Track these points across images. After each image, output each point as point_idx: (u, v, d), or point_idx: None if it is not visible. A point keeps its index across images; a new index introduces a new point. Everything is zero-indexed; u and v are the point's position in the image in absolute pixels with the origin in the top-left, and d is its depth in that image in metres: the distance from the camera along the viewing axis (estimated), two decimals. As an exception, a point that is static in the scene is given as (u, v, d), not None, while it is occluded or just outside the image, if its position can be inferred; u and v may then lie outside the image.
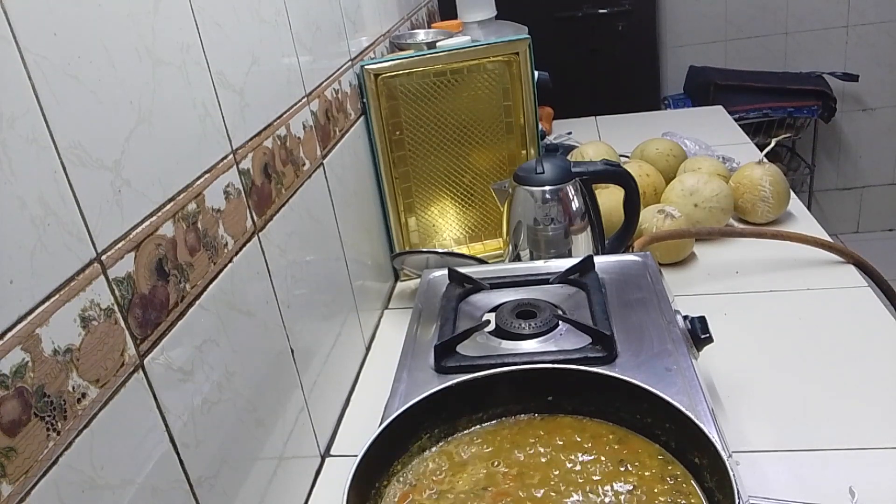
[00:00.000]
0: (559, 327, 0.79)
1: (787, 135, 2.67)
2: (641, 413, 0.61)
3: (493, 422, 0.65)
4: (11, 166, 0.44)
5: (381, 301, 1.21)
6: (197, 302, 0.63)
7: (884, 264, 1.20)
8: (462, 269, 0.92)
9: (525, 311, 0.82)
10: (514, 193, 1.09)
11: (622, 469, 0.59)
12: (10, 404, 0.42)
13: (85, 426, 0.48)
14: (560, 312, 0.82)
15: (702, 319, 0.81)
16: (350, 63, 1.13)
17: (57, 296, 0.47)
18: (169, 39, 0.62)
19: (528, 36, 1.21)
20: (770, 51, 2.87)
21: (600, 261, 0.91)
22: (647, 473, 0.58)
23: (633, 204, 1.11)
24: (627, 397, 0.61)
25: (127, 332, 0.53)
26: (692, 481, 0.56)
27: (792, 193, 1.32)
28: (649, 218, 1.19)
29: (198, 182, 0.65)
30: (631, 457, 0.60)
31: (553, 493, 0.57)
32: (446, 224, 1.30)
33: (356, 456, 0.56)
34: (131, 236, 0.55)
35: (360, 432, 0.92)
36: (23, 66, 0.45)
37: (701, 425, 0.56)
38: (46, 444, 0.45)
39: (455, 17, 1.58)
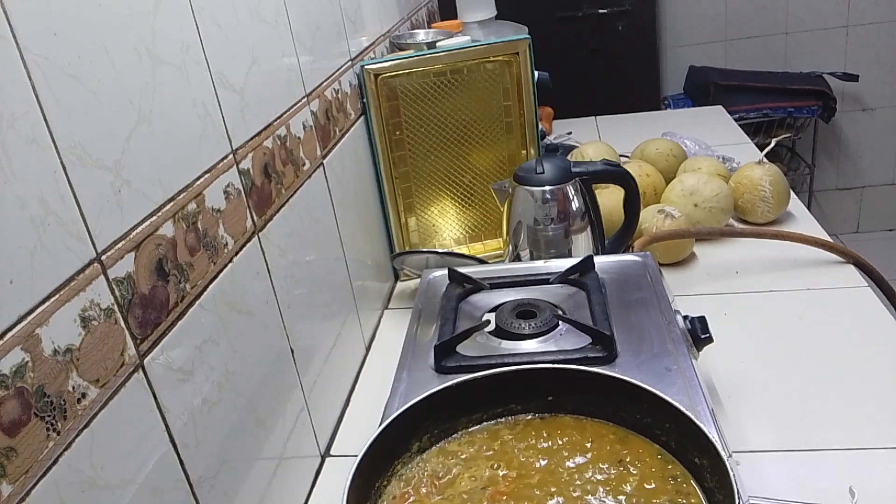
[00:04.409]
0: (559, 327, 0.79)
1: (787, 135, 2.67)
2: (641, 413, 0.61)
3: (493, 422, 0.65)
4: (11, 166, 0.44)
5: (381, 301, 1.21)
6: (197, 302, 0.63)
7: (884, 264, 1.20)
8: (462, 269, 0.92)
9: (525, 311, 0.82)
10: (514, 193, 1.09)
11: (622, 469, 0.59)
12: (10, 404, 0.42)
13: (85, 426, 0.48)
14: (560, 312, 0.82)
15: (702, 319, 0.81)
16: (350, 63, 1.13)
17: (57, 296, 0.47)
18: (169, 39, 0.62)
19: (528, 36, 1.21)
20: (770, 51, 2.87)
21: (600, 261, 0.91)
22: (647, 473, 0.58)
23: (633, 204, 1.11)
24: (627, 397, 0.61)
25: (127, 332, 0.53)
26: (692, 481, 0.56)
27: (792, 193, 1.32)
28: (649, 218, 1.19)
29: (198, 182, 0.65)
30: (631, 457, 0.60)
31: (553, 494, 0.57)
32: (446, 224, 1.30)
33: (356, 456, 0.56)
34: (131, 236, 0.55)
35: (360, 432, 0.92)
36: (23, 66, 0.45)
37: (701, 425, 0.55)
38: (46, 444, 0.45)
39: (455, 17, 1.58)
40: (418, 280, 0.99)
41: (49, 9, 0.48)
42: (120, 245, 0.53)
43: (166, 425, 0.57)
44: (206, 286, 0.65)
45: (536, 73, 1.26)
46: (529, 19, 1.62)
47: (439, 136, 1.23)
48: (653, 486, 0.57)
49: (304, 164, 0.90)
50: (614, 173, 1.09)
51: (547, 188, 1.06)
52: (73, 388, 0.47)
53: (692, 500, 0.55)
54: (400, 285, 1.29)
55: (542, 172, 1.07)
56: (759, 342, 0.99)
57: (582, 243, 1.09)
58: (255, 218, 0.76)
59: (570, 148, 1.60)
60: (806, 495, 0.73)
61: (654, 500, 0.55)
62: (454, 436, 0.64)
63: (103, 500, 0.49)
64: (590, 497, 0.56)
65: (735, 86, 2.62)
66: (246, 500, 0.70)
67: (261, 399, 0.74)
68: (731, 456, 0.61)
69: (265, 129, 0.80)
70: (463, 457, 0.62)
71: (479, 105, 1.23)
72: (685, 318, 0.82)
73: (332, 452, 0.92)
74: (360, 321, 1.09)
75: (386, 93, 1.18)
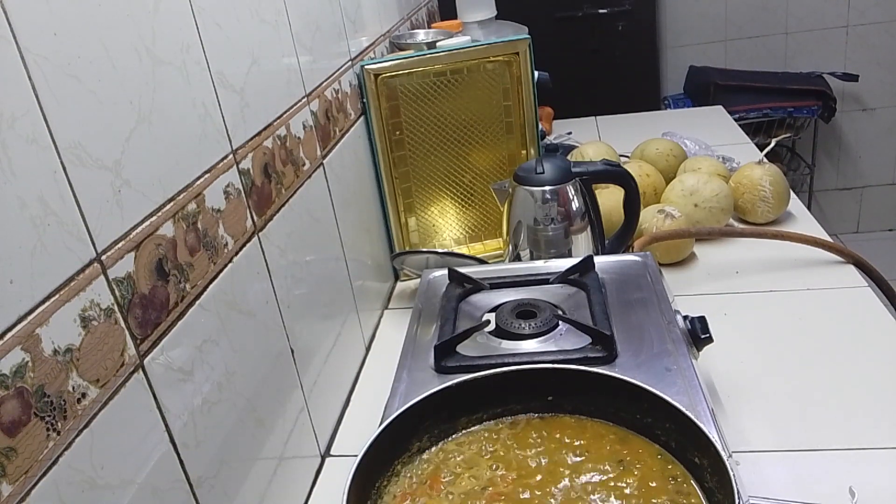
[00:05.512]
0: (559, 327, 0.79)
1: (787, 135, 2.68)
2: (641, 413, 0.61)
3: (493, 422, 0.65)
4: (11, 166, 0.44)
5: (381, 301, 1.21)
6: (197, 302, 0.63)
7: (884, 264, 1.20)
8: (462, 269, 0.92)
9: (525, 311, 0.82)
10: (514, 193, 1.09)
11: (622, 469, 0.59)
12: (10, 404, 0.42)
13: (85, 426, 0.48)
14: (560, 312, 0.82)
15: (702, 319, 0.81)
16: (350, 63, 1.13)
17: (57, 296, 0.47)
18: (169, 39, 0.62)
19: (528, 36, 1.21)
20: (770, 51, 2.87)
21: (600, 261, 0.91)
22: (647, 473, 0.58)
23: (633, 204, 1.11)
24: (627, 397, 0.61)
25: (127, 332, 0.53)
26: (692, 481, 0.56)
27: (792, 193, 1.32)
28: (649, 218, 1.19)
29: (198, 182, 0.65)
30: (631, 457, 0.60)
31: (553, 494, 0.57)
32: (446, 224, 1.30)
33: (356, 456, 0.56)
34: (131, 236, 0.55)
35: (360, 432, 0.92)
36: (23, 66, 0.45)
37: (701, 425, 0.55)
38: (46, 444, 0.45)
39: (455, 17, 1.58)
40: (418, 280, 0.99)
41: (49, 9, 0.48)
42: (120, 245, 0.53)
43: (166, 425, 0.57)
44: (206, 286, 0.65)
45: (536, 73, 1.26)
46: (529, 19, 1.62)
47: (439, 136, 1.23)
48: (653, 486, 0.57)
49: (304, 164, 0.90)
50: (614, 173, 1.09)
51: (547, 188, 1.06)
52: (73, 388, 0.47)
53: (692, 500, 0.55)
54: (400, 285, 1.29)
55: (542, 172, 1.07)
56: (759, 342, 0.99)
57: (582, 243, 1.09)
58: (255, 218, 0.76)
59: (570, 148, 1.60)
60: (806, 495, 0.73)
61: (653, 500, 0.55)
62: (454, 436, 0.64)
63: (103, 500, 0.49)
64: (590, 497, 0.56)
65: (735, 86, 2.62)
66: (246, 500, 0.70)
67: (261, 399, 0.74)
68: (731, 456, 0.61)
69: (265, 129, 0.80)
70: (463, 457, 0.62)
71: (479, 105, 1.23)
72: (685, 318, 0.82)
73: (332, 452, 0.92)
74: (360, 321, 1.09)
75: (386, 93, 1.18)
